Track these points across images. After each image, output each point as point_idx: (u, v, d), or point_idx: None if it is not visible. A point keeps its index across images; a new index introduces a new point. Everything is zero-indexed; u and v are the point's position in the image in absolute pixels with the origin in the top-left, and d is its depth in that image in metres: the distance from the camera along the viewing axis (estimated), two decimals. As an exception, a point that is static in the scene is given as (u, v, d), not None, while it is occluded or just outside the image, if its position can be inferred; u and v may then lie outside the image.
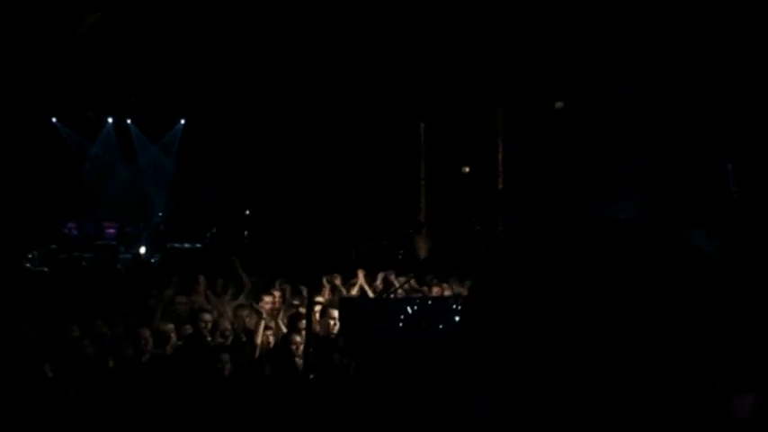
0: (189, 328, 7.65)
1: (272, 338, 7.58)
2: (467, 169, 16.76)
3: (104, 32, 14.50)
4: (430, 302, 5.80)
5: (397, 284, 9.54)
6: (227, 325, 7.88)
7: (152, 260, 17.60)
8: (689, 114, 11.96)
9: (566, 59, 12.84)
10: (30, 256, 15.68)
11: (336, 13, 13.18)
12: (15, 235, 16.94)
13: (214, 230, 19.38)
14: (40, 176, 18.83)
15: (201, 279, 8.98)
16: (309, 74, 15.47)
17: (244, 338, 7.65)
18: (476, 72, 14.12)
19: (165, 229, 19.98)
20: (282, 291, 9.09)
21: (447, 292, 9.02)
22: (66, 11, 13.25)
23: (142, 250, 18.53)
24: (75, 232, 19.78)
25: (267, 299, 8.52)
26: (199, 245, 18.90)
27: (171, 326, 7.30)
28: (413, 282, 9.54)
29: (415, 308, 5.25)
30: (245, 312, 8.21)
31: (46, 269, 13.48)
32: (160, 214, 20.78)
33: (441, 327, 5.05)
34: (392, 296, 8.31)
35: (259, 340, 7.47)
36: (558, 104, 13.97)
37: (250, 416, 5.86)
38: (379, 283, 9.56)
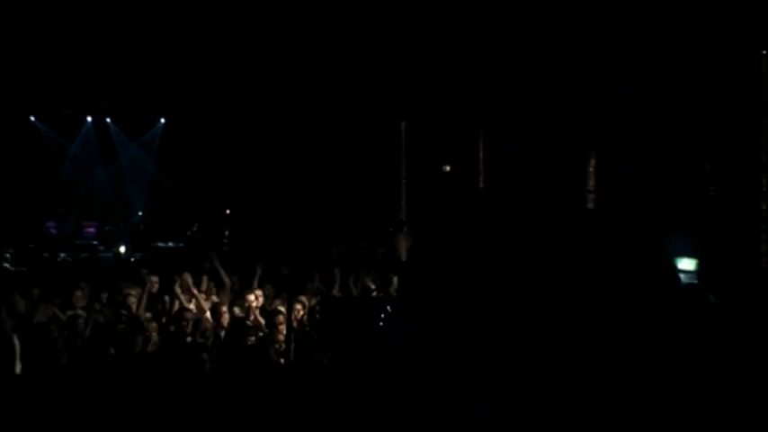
0: (172, 327, 7.64)
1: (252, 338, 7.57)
2: (447, 168, 16.78)
3: (84, 32, 14.43)
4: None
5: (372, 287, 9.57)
6: (207, 324, 7.89)
7: (132, 259, 17.52)
8: (672, 117, 12.10)
9: (551, 60, 12.91)
10: (7, 255, 15.54)
11: (317, 14, 13.16)
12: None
13: (195, 229, 19.32)
14: (18, 175, 18.70)
15: (186, 276, 8.97)
16: (289, 73, 15.44)
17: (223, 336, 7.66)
18: (457, 70, 14.14)
19: (146, 228, 19.91)
20: (264, 290, 9.09)
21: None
22: (46, 11, 13.18)
23: (122, 249, 18.44)
24: (53, 231, 19.66)
25: (250, 297, 8.53)
26: (180, 243, 18.83)
27: (154, 324, 7.30)
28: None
29: (396, 307, 5.25)
30: (222, 310, 8.20)
31: (25, 269, 13.39)
32: (140, 213, 20.70)
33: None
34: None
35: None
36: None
37: (229, 415, 5.86)
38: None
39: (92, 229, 20.33)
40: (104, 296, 8.72)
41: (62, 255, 16.68)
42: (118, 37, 14.78)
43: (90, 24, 14.21)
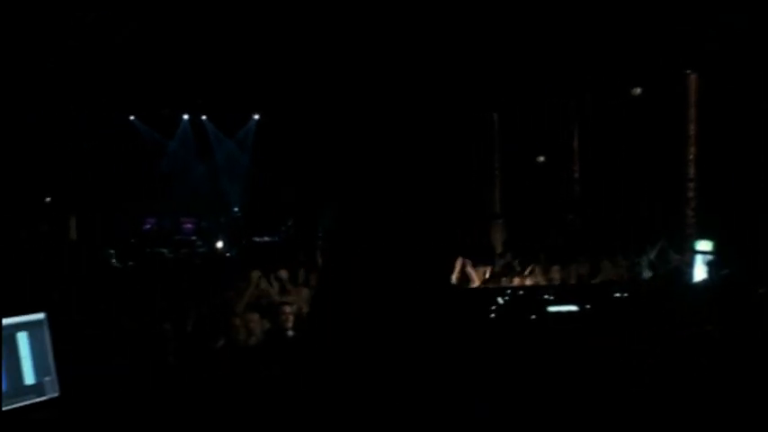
0: (267, 323, 7.70)
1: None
2: (542, 159, 16.58)
3: (181, 34, 14.72)
4: (521, 292, 5.75)
5: (473, 275, 9.51)
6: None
7: (228, 254, 17.87)
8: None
9: (642, 48, 12.61)
10: (111, 251, 16.06)
11: (405, 6, 13.13)
12: (97, 231, 17.43)
13: (290, 224, 19.52)
14: (119, 174, 19.26)
15: (282, 273, 9.09)
16: (381, 66, 15.45)
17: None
18: (549, 60, 13.93)
19: (242, 224, 20.23)
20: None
21: (528, 282, 8.96)
22: (145, 15, 13.49)
23: (219, 245, 18.80)
24: (153, 228, 20.20)
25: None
26: (276, 238, 19.08)
27: (257, 316, 7.38)
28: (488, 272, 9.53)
29: (507, 298, 5.20)
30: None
31: (131, 263, 13.83)
32: (236, 209, 21.06)
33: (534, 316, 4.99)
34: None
35: None
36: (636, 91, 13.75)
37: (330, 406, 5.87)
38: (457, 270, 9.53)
39: (189, 225, 20.78)
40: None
41: (164, 250, 17.15)
42: (213, 36, 15.04)
43: (187, 26, 14.50)
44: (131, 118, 20.73)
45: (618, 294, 5.77)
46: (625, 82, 13.96)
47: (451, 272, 8.40)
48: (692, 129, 13.17)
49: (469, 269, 9.64)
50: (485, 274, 9.61)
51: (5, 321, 3.99)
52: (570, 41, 13.11)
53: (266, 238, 18.97)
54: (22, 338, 4.05)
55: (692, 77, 13.14)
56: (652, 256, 11.13)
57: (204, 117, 21.50)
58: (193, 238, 19.68)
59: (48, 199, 18.63)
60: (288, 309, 7.92)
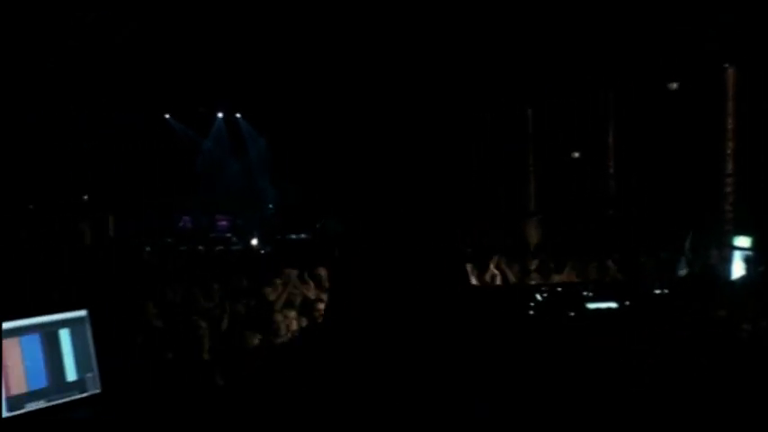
0: (303, 320, 7.74)
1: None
2: (576, 154, 16.45)
3: (214, 34, 14.80)
4: (559, 289, 5.73)
5: (508, 272, 9.48)
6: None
7: (262, 251, 17.93)
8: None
9: (677, 40, 12.47)
10: (147, 249, 16.20)
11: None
12: (134, 229, 17.61)
13: (323, 221, 19.52)
14: (156, 172, 19.41)
15: (322, 271, 9.12)
16: (413, 61, 15.39)
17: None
18: (583, 54, 13.82)
19: (277, 221, 20.26)
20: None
21: (564, 279, 8.91)
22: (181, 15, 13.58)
23: (254, 242, 18.88)
24: (189, 225, 20.33)
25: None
26: (310, 235, 19.08)
27: (293, 312, 7.42)
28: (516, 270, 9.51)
29: (545, 295, 5.17)
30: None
31: (167, 260, 13.91)
32: (270, 206, 21.11)
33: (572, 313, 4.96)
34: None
35: None
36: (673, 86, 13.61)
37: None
38: (492, 269, 9.51)
39: (224, 222, 20.88)
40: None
41: (200, 248, 17.26)
42: (246, 36, 15.10)
43: (218, 27, 14.57)
44: (166, 117, 20.86)
45: (657, 291, 5.73)
46: (662, 76, 13.81)
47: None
48: (729, 123, 13.01)
49: (504, 267, 9.62)
50: (520, 271, 9.58)
51: (48, 318, 4.04)
52: (606, 36, 13.00)
53: (302, 236, 18.98)
54: (65, 335, 4.09)
55: (730, 71, 12.97)
56: (687, 248, 11.02)
57: (238, 115, 21.56)
58: (228, 235, 19.77)
59: (85, 197, 18.85)
60: (323, 305, 7.95)
